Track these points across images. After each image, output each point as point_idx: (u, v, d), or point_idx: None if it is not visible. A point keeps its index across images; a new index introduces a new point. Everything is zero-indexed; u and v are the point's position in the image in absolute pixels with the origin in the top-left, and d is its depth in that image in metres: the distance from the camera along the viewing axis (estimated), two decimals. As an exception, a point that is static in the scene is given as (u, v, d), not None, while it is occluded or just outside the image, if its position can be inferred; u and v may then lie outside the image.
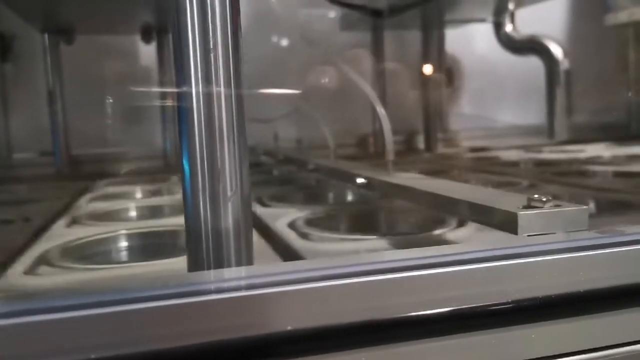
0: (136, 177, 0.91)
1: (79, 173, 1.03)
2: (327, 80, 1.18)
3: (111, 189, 0.78)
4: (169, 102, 1.04)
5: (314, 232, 0.43)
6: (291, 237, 0.43)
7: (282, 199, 0.59)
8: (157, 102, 1.07)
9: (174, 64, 0.25)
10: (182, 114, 0.25)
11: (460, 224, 0.43)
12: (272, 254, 0.40)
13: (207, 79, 0.25)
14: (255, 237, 0.44)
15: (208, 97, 0.25)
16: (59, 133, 1.02)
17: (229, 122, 0.25)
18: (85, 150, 1.10)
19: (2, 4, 0.85)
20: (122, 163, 1.09)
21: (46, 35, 0.99)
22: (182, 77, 0.25)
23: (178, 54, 0.25)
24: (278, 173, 0.89)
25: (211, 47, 0.25)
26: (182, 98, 0.25)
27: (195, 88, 0.25)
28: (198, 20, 0.25)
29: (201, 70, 0.25)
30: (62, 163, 1.03)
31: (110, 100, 1.12)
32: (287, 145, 1.01)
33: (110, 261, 0.46)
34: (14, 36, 1.05)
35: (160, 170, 1.04)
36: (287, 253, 0.40)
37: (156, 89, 1.12)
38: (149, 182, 0.84)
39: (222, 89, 0.25)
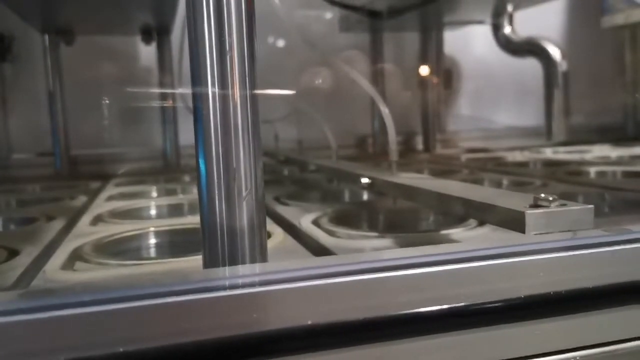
0: (145, 176, 0.92)
1: (81, 173, 1.04)
2: (326, 81, 1.18)
3: (123, 189, 0.79)
4: (169, 103, 1.05)
5: (340, 230, 0.44)
6: (319, 234, 0.44)
7: (298, 198, 0.61)
8: (158, 103, 1.07)
9: (190, 66, 0.26)
10: (198, 114, 0.26)
11: (471, 223, 0.44)
12: (303, 251, 0.41)
13: (222, 80, 0.25)
14: (282, 235, 0.45)
15: (224, 98, 0.25)
16: (59, 134, 1.02)
17: (244, 122, 0.26)
18: (85, 151, 1.10)
19: (1, 5, 0.85)
20: (123, 164, 1.09)
21: (46, 36, 0.99)
22: (198, 78, 0.25)
23: (195, 55, 0.25)
24: (287, 173, 0.90)
25: (227, 49, 0.25)
26: (198, 99, 0.26)
27: (212, 89, 0.25)
28: (214, 23, 0.25)
29: (217, 72, 0.25)
30: (62, 164, 1.03)
31: (110, 101, 1.12)
32: (287, 146, 1.02)
33: (139, 257, 0.47)
34: (13, 37, 1.05)
35: (162, 171, 1.04)
36: (317, 250, 0.41)
37: (156, 90, 1.13)
38: (159, 182, 0.85)
39: (237, 90, 0.26)
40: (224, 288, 0.23)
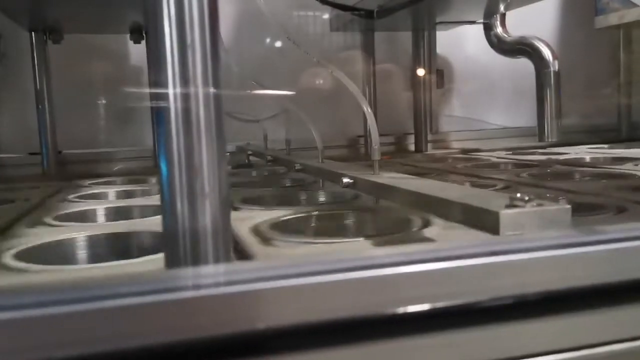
0: (122, 177, 0.91)
1: (70, 173, 1.03)
2: (318, 81, 1.17)
3: (96, 190, 0.78)
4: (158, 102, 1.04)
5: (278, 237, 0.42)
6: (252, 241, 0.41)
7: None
8: (147, 102, 1.06)
9: (151, 61, 0.25)
10: (159, 111, 0.25)
11: (443, 223, 0.43)
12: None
13: (184, 76, 0.25)
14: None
15: (185, 94, 0.25)
16: (47, 133, 1.01)
17: (207, 119, 0.25)
18: (73, 150, 1.10)
19: (-12, 3, 0.84)
20: (111, 163, 1.09)
21: (33, 34, 0.98)
22: (158, 73, 0.25)
23: (154, 50, 0.25)
24: (276, 172, 0.89)
25: (188, 43, 0.24)
26: (159, 95, 0.25)
27: (172, 85, 0.25)
28: (175, 16, 0.24)
29: (178, 67, 0.25)
30: (49, 163, 1.02)
31: (100, 101, 1.12)
32: (277, 146, 1.01)
33: (81, 262, 0.45)
34: (0, 35, 1.04)
35: (152, 171, 1.03)
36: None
37: (145, 90, 1.12)
38: (134, 182, 0.84)
39: (199, 85, 0.25)
40: (185, 288, 0.23)
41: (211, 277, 0.25)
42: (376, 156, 0.49)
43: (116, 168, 1.08)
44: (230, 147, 1.14)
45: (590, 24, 1.27)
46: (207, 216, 0.25)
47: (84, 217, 0.59)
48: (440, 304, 0.25)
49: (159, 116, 0.25)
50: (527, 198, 0.32)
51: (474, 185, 0.69)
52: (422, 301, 0.25)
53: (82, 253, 0.47)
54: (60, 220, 0.54)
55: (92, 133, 1.13)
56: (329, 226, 0.50)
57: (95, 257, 0.47)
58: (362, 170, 0.53)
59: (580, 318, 0.26)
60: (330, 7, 1.06)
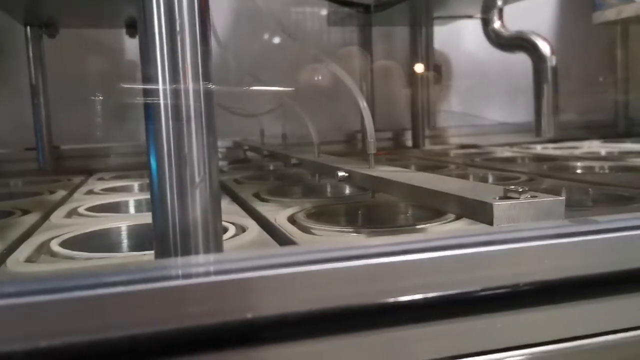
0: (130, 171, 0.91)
1: (65, 169, 1.02)
2: (316, 77, 1.17)
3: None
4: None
5: (315, 226, 0.42)
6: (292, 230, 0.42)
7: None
8: (142, 97, 1.05)
9: (141, 49, 0.25)
10: (149, 100, 0.25)
11: (447, 216, 0.43)
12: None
13: (173, 63, 0.24)
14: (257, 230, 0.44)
15: (175, 82, 0.25)
16: (42, 128, 1.00)
17: (196, 106, 0.25)
18: (70, 146, 1.09)
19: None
20: (108, 158, 1.08)
21: (27, 28, 0.97)
22: (147, 61, 0.24)
23: (143, 37, 0.24)
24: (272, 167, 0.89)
25: (177, 30, 0.24)
26: (148, 82, 0.25)
27: (161, 72, 0.24)
28: (164, 3, 0.24)
29: (167, 54, 0.24)
30: (45, 158, 1.02)
31: (96, 96, 1.11)
32: (274, 141, 1.01)
33: (111, 252, 0.46)
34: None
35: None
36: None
37: (141, 84, 1.11)
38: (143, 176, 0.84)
39: (189, 73, 0.25)
40: (174, 277, 0.22)
41: (201, 266, 0.24)
42: (371, 149, 0.49)
43: (115, 164, 1.07)
44: (227, 143, 1.13)
45: (587, 19, 1.27)
46: (197, 205, 0.25)
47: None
48: (432, 294, 0.25)
49: (148, 105, 0.25)
50: (521, 190, 0.32)
51: (497, 178, 0.69)
52: (415, 291, 0.25)
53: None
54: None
55: (88, 128, 1.12)
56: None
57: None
58: (358, 164, 0.53)
59: (573, 308, 0.26)
60: (328, 1, 1.05)
